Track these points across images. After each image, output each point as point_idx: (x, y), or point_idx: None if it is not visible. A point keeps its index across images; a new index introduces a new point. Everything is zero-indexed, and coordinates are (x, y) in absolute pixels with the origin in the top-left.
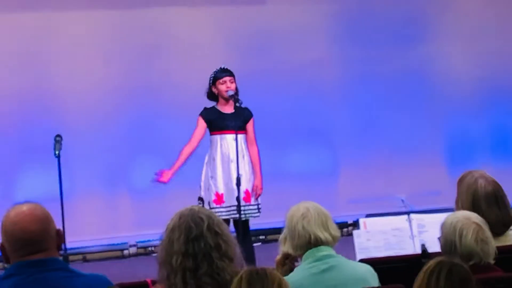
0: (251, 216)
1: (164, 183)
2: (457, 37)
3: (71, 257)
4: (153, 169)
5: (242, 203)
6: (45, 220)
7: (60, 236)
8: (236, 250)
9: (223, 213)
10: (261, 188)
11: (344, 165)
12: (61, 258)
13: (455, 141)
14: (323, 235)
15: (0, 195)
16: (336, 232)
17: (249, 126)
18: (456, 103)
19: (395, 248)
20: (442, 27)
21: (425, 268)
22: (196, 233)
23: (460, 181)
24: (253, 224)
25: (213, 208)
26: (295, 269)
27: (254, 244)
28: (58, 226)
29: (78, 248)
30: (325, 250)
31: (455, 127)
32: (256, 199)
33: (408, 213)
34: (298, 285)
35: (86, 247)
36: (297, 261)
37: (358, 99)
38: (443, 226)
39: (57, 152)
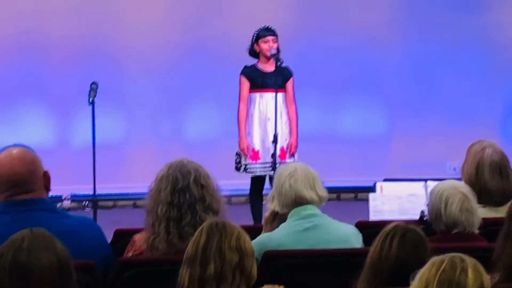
0: None
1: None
2: None
3: (121, 202)
4: (206, 119)
5: (278, 160)
6: (32, 163)
7: (47, 177)
8: (222, 204)
9: (258, 169)
10: (296, 146)
11: (398, 129)
12: (48, 198)
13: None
14: (308, 194)
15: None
16: (323, 192)
17: (289, 85)
18: None
19: (409, 213)
20: None
21: (382, 232)
22: (182, 185)
23: (469, 148)
24: None
25: (248, 164)
26: (280, 226)
27: None
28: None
29: (129, 194)
30: (310, 209)
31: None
32: (291, 156)
33: (425, 180)
34: (280, 242)
35: (137, 193)
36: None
37: (416, 61)
38: (431, 194)
39: (91, 99)
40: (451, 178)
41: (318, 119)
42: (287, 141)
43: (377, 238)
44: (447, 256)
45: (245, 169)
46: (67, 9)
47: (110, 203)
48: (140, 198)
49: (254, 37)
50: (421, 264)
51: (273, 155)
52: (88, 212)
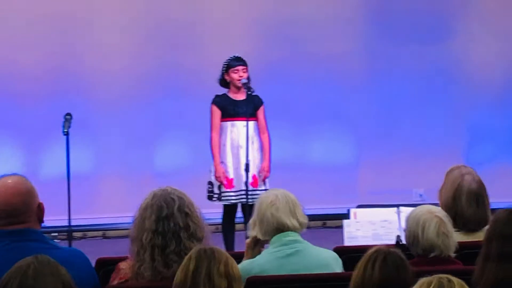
0: None
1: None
2: (482, 34)
3: (90, 233)
4: (174, 150)
5: (250, 188)
6: (28, 194)
7: (41, 209)
8: (206, 232)
9: (233, 197)
10: (268, 171)
11: (365, 157)
12: (40, 230)
13: (476, 138)
14: (290, 222)
15: (10, 170)
16: (303, 219)
17: (260, 113)
18: (480, 100)
19: (382, 239)
20: (467, 24)
21: (364, 255)
22: (167, 213)
23: (448, 173)
24: None
25: (223, 192)
26: (262, 253)
27: None
28: (64, 203)
29: (98, 225)
30: (291, 236)
31: (478, 124)
32: (263, 182)
33: (398, 205)
34: (263, 268)
35: (106, 224)
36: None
37: (382, 93)
38: (408, 219)
39: (66, 130)
40: (418, 204)
41: (288, 148)
42: (258, 169)
43: (360, 262)
44: (434, 277)
45: (220, 198)
46: (37, 41)
47: (80, 234)
48: (110, 228)
49: (225, 67)
50: (404, 285)
51: (246, 184)
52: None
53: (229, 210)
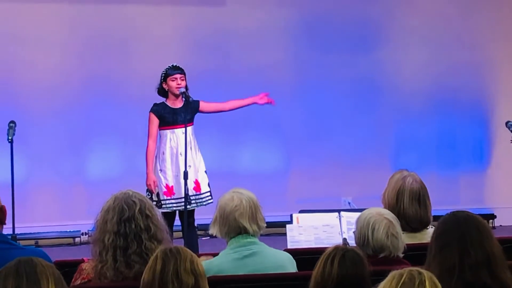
0: (203, 204)
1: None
2: (408, 45)
3: (23, 242)
4: (106, 159)
5: (193, 193)
6: None
7: (3, 212)
8: (165, 234)
9: (174, 205)
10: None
11: (294, 165)
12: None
13: (404, 147)
14: (251, 227)
15: None
16: (262, 222)
17: (204, 105)
18: (407, 109)
19: (324, 243)
20: (394, 35)
21: (324, 253)
22: (128, 215)
23: (391, 177)
24: (202, 219)
25: (163, 200)
26: (220, 254)
27: (203, 238)
28: (8, 210)
29: (30, 233)
30: (249, 238)
31: (404, 132)
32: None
33: (339, 211)
34: (220, 268)
35: (38, 233)
36: None
37: (311, 102)
38: (358, 221)
39: (10, 138)
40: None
41: (218, 156)
42: (200, 173)
43: (320, 259)
44: (405, 270)
45: (159, 205)
46: None
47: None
48: (42, 237)
49: (163, 76)
50: (362, 281)
51: (185, 192)
52: None
53: (168, 218)
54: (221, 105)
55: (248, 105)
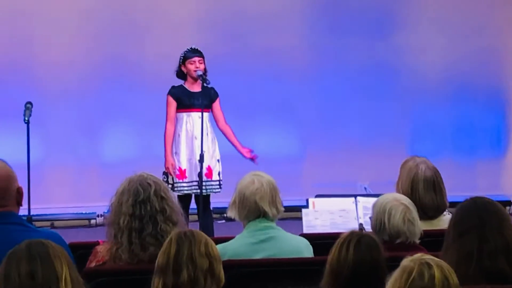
0: (212, 192)
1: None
2: (427, 31)
3: (38, 223)
4: (122, 141)
5: (204, 178)
6: (7, 178)
7: (20, 193)
8: (180, 216)
9: (185, 188)
10: (251, 149)
11: (311, 149)
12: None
13: (421, 132)
14: (271, 211)
15: None
16: (281, 206)
17: (216, 105)
18: (423, 95)
19: (340, 228)
20: (414, 20)
21: (339, 238)
22: (143, 197)
23: (403, 164)
24: (219, 202)
25: (175, 182)
26: (235, 237)
27: (218, 222)
28: (23, 191)
29: (46, 215)
30: (266, 222)
31: (421, 118)
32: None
33: (355, 196)
34: (236, 252)
35: (54, 214)
36: None
37: (327, 86)
38: (374, 206)
39: (26, 119)
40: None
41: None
42: (214, 160)
43: (335, 245)
44: (416, 263)
45: (173, 188)
46: None
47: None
48: (57, 219)
49: (181, 59)
50: (377, 266)
51: (199, 175)
52: None
53: (182, 201)
54: (221, 122)
55: (234, 146)
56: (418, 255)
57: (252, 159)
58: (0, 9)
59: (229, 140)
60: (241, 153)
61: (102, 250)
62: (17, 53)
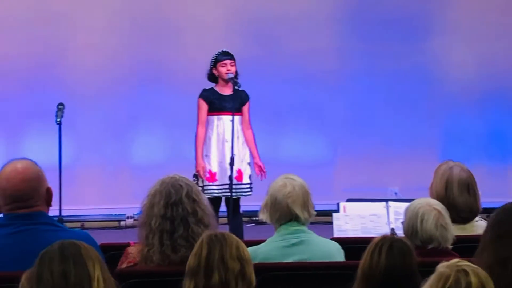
0: (242, 195)
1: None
2: (459, 35)
3: (69, 224)
4: (152, 143)
5: (235, 182)
6: (37, 179)
7: (49, 193)
8: (212, 219)
9: (215, 191)
10: (263, 166)
11: (341, 154)
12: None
13: (452, 138)
14: (303, 215)
15: (3, 157)
16: (313, 210)
17: (245, 108)
18: (456, 100)
19: (371, 232)
20: (445, 24)
21: (371, 243)
22: (175, 199)
23: (437, 169)
24: (248, 206)
25: (205, 185)
26: (266, 241)
27: (248, 225)
28: (55, 192)
29: (76, 216)
30: (297, 225)
31: (453, 124)
32: (261, 174)
33: (386, 200)
34: (266, 255)
35: (84, 215)
36: None
37: (359, 91)
38: (407, 211)
39: (58, 120)
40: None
41: (263, 145)
42: (244, 163)
43: (367, 249)
44: (452, 269)
45: (203, 191)
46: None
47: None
48: (87, 220)
49: (213, 62)
50: (409, 272)
51: (230, 178)
52: None
53: (212, 204)
54: (244, 125)
55: (251, 153)
56: (454, 261)
57: (260, 174)
58: (33, 12)
59: (248, 146)
60: (256, 164)
61: (133, 251)
62: (50, 55)
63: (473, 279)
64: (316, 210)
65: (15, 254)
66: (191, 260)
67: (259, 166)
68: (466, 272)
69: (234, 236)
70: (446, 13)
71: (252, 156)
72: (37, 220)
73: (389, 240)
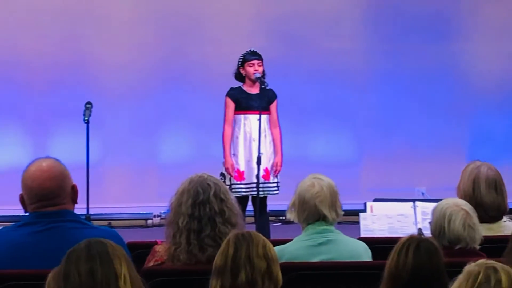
0: (269, 193)
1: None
2: (484, 36)
3: (96, 222)
4: (179, 142)
5: (262, 180)
6: (61, 177)
7: (75, 191)
8: (239, 218)
9: (243, 190)
10: (281, 165)
11: (367, 154)
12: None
13: (479, 138)
14: (330, 215)
15: (31, 155)
16: (340, 210)
17: (273, 107)
18: (482, 100)
19: (398, 232)
20: (469, 25)
21: (397, 243)
22: (203, 198)
23: (464, 169)
24: (275, 205)
25: (233, 184)
26: (293, 240)
27: (275, 224)
28: (82, 190)
29: (103, 214)
30: (325, 225)
31: (480, 124)
32: (275, 176)
33: (414, 200)
34: (294, 255)
35: (111, 214)
36: None
37: (385, 91)
38: (434, 211)
39: (86, 119)
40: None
41: (291, 144)
42: (271, 162)
43: (394, 249)
44: (481, 267)
45: (230, 189)
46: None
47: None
48: (114, 218)
49: (240, 61)
50: (437, 272)
51: (257, 176)
52: None
53: (239, 202)
54: (271, 124)
55: (274, 151)
56: (482, 261)
57: (269, 174)
58: (61, 10)
59: (273, 144)
60: (276, 162)
61: (160, 250)
62: (78, 54)
63: (503, 277)
64: (344, 210)
65: (41, 252)
66: (217, 259)
67: (276, 163)
68: (495, 270)
69: (260, 235)
70: (472, 14)
71: (275, 153)
72: (63, 217)
73: (416, 240)
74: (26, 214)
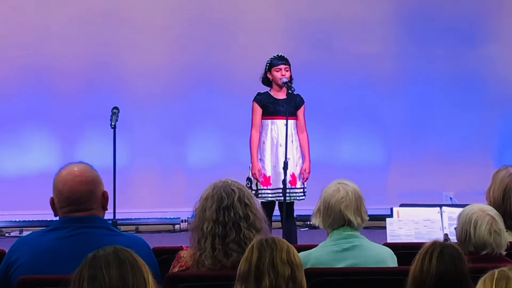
0: (296, 199)
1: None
2: None
3: (123, 227)
4: (206, 146)
5: (288, 186)
6: (93, 182)
7: (105, 198)
8: (264, 223)
9: (269, 195)
10: (309, 172)
11: (395, 159)
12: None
13: (507, 143)
14: (356, 220)
15: (58, 161)
16: (365, 215)
17: (300, 112)
18: (510, 105)
19: (425, 238)
20: (501, 29)
21: (421, 248)
22: (227, 203)
23: (496, 173)
24: (302, 210)
25: (260, 189)
26: (319, 245)
27: (302, 229)
28: (109, 195)
29: (130, 219)
30: (350, 230)
31: (509, 129)
32: (303, 182)
33: (440, 205)
34: (319, 260)
35: (138, 219)
36: None
37: (413, 95)
38: (459, 217)
39: (113, 124)
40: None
41: (319, 148)
42: (298, 167)
43: (417, 255)
44: (502, 269)
45: (257, 195)
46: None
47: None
48: (142, 223)
49: (267, 66)
50: (461, 277)
51: (284, 182)
52: None
53: (266, 207)
54: (298, 129)
55: (302, 159)
56: (506, 268)
57: (296, 180)
58: (89, 15)
59: (301, 150)
60: (304, 168)
61: (185, 255)
62: (104, 58)
63: None
64: (369, 215)
65: (69, 257)
66: (241, 265)
67: (304, 169)
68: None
69: (284, 240)
70: (502, 17)
71: (302, 158)
72: (92, 223)
73: (440, 246)
74: (56, 218)
